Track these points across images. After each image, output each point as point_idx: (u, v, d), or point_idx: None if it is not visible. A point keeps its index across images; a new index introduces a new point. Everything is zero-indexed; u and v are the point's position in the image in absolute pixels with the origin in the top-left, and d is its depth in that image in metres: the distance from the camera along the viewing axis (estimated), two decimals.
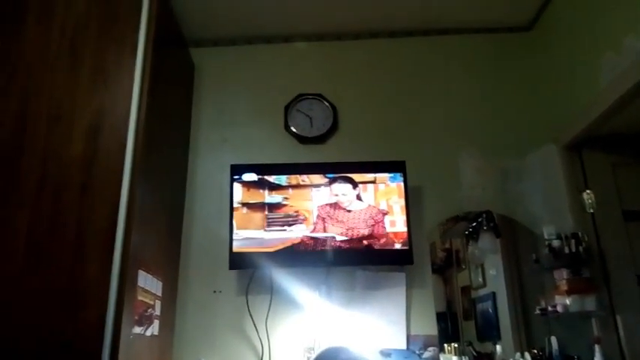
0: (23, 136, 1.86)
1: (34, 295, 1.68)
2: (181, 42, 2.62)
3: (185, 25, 2.58)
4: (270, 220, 2.29)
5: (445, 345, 2.17)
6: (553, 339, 2.16)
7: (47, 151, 1.84)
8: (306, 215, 2.31)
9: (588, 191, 2.32)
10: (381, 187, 2.32)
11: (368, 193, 2.33)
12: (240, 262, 2.25)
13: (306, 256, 2.24)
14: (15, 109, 1.89)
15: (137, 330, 1.81)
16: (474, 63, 2.73)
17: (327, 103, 2.61)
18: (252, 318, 2.27)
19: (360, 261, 2.28)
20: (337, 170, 2.34)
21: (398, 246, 2.25)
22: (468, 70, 2.71)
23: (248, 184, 2.33)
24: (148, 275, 1.93)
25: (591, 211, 2.29)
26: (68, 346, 1.62)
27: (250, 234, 2.27)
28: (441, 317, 2.30)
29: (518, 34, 2.76)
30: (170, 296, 2.23)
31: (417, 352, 2.19)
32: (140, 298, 1.85)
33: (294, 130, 2.56)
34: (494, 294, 2.33)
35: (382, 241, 2.25)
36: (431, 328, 2.27)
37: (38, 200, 1.78)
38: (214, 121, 2.64)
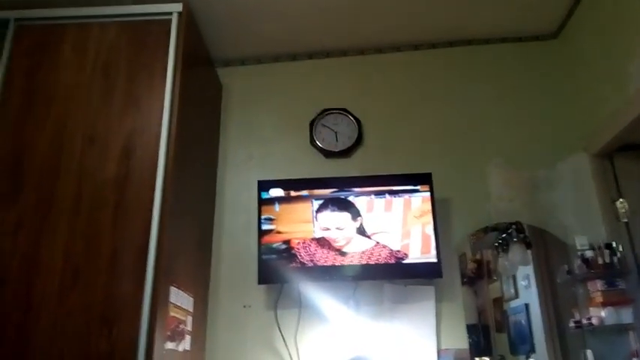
0: (59, 158, 1.94)
1: (72, 312, 1.73)
2: (209, 63, 2.69)
3: (213, 46, 2.65)
4: None
5: (477, 359, 2.13)
6: (589, 353, 2.11)
7: (82, 172, 1.91)
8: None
9: (621, 200, 2.26)
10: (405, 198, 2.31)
11: (394, 210, 2.29)
12: (269, 276, 2.28)
13: (333, 270, 2.24)
14: (51, 132, 1.98)
15: (170, 345, 1.85)
16: (500, 73, 2.71)
17: (351, 118, 2.63)
18: (281, 332, 2.29)
19: (387, 275, 2.27)
20: (362, 184, 2.33)
21: (426, 259, 2.24)
22: (494, 80, 2.69)
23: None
24: (180, 291, 1.98)
25: (625, 220, 2.24)
26: None
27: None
28: (472, 330, 2.26)
29: (545, 42, 2.73)
30: (201, 311, 2.27)
31: None
32: (172, 314, 1.89)
33: (319, 144, 2.59)
34: (527, 305, 2.29)
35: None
36: (462, 342, 2.24)
37: (74, 219, 1.85)
38: (242, 138, 2.69)
